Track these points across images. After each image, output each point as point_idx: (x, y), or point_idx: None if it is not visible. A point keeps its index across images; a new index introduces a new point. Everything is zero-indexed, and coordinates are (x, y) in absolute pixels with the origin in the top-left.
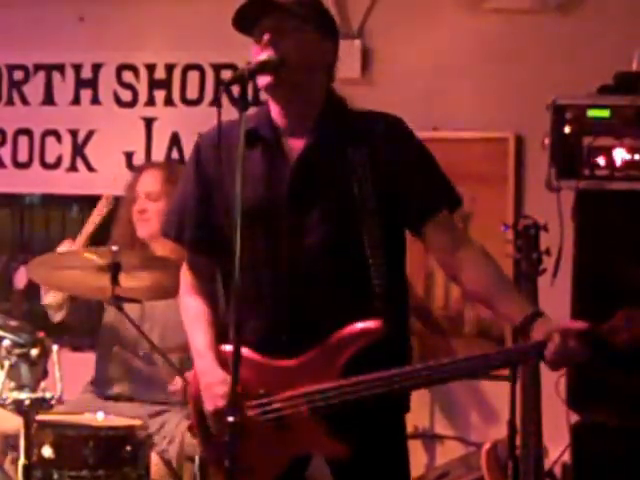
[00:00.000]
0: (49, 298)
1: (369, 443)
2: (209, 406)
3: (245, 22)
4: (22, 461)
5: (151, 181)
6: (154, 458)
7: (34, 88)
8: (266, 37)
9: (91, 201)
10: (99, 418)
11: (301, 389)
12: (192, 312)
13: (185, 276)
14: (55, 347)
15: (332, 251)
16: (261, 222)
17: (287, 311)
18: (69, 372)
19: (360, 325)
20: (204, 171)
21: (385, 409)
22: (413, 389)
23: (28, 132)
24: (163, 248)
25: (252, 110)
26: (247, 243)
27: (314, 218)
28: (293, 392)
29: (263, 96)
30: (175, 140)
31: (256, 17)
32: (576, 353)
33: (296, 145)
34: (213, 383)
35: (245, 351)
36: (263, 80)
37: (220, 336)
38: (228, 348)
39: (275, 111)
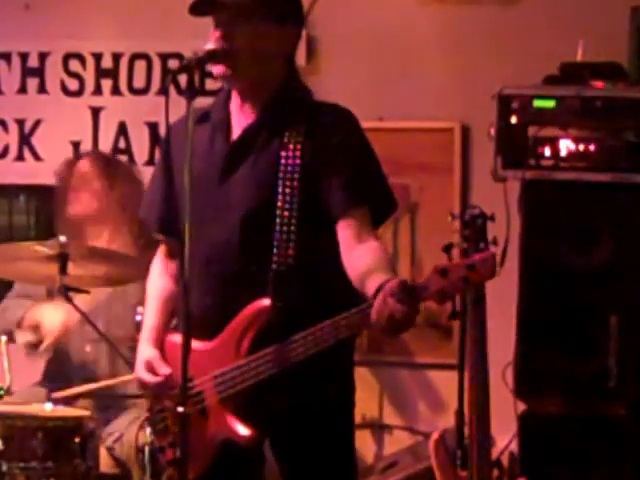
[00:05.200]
0: (21, 338)
1: (306, 433)
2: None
3: (200, 14)
4: None
5: (87, 165)
6: (102, 451)
7: None
8: (217, 34)
9: (38, 191)
10: (47, 409)
11: (211, 372)
12: (152, 291)
13: (158, 255)
14: (3, 338)
15: (245, 228)
16: (198, 201)
17: (211, 291)
18: (17, 363)
19: (251, 306)
20: (171, 156)
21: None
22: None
23: None
24: (98, 235)
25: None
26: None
27: (237, 195)
28: (206, 376)
29: (210, 85)
30: (122, 129)
31: (208, 13)
32: (395, 310)
33: (243, 124)
34: (138, 360)
35: (177, 337)
36: (217, 69)
37: None
38: (170, 337)
39: (234, 91)
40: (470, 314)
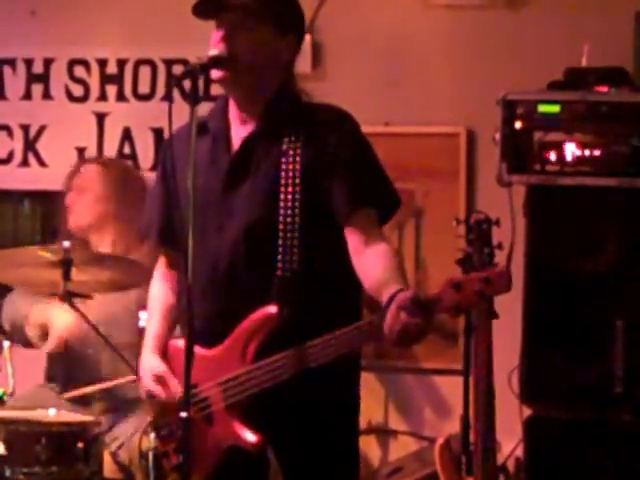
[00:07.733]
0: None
1: (312, 439)
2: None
3: (204, 15)
4: None
5: (83, 174)
6: (106, 456)
7: None
8: (220, 33)
9: (43, 197)
10: (51, 414)
11: (216, 379)
12: (154, 300)
13: (158, 266)
14: (7, 343)
15: (249, 236)
16: (201, 211)
17: (216, 299)
18: (21, 368)
19: (258, 312)
20: (169, 167)
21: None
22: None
23: None
24: (101, 241)
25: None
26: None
27: (240, 206)
28: (211, 383)
29: (215, 91)
30: (127, 135)
31: (212, 14)
32: (407, 324)
33: (242, 134)
34: (142, 368)
35: (181, 342)
36: (215, 74)
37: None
38: (173, 342)
39: (231, 100)
40: (476, 322)
